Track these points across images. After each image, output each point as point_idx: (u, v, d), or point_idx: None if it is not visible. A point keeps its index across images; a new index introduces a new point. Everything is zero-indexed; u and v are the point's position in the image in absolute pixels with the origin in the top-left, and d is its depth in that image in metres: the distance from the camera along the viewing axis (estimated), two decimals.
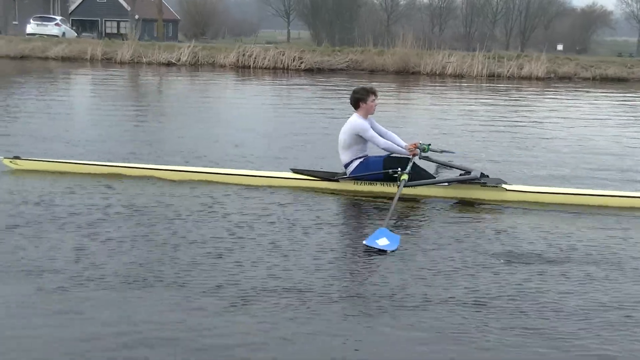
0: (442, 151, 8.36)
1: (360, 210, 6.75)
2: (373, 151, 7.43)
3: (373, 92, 7.17)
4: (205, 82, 23.78)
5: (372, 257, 5.28)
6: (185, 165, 8.23)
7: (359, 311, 4.28)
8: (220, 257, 5.16)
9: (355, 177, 7.16)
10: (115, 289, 4.52)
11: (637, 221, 6.56)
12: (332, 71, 29.05)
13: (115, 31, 61.27)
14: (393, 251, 5.36)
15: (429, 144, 7.49)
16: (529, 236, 5.91)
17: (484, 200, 7.01)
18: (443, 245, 5.61)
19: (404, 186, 6.71)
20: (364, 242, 5.46)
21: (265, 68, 29.53)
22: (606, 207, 6.91)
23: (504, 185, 7.06)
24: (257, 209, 6.52)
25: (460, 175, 7.21)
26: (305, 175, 7.37)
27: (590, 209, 6.85)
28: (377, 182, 7.14)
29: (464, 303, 4.42)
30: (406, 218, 6.50)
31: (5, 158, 7.94)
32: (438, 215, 6.60)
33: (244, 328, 4.01)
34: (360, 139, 7.07)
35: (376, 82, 23.08)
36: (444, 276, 4.91)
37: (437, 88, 23.84)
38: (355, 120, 7.08)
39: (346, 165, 7.20)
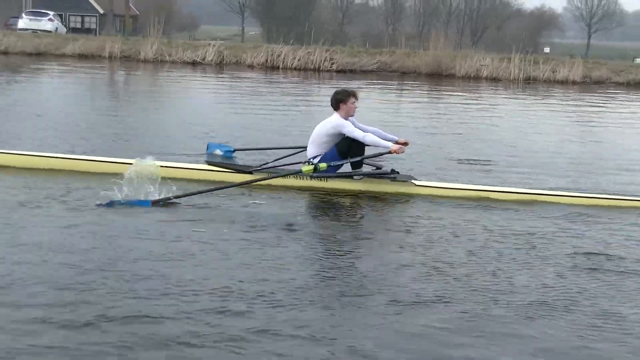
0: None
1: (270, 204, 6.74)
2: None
3: (354, 94, 7.37)
4: (269, 84, 23.73)
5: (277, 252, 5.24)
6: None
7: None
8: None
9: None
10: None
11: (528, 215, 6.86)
12: (363, 72, 29.70)
13: (79, 26, 60.04)
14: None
15: None
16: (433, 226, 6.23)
17: (393, 194, 7.25)
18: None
19: (312, 177, 7.04)
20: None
21: (294, 69, 30.03)
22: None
23: (413, 181, 7.32)
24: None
25: (374, 170, 7.43)
26: (220, 167, 7.45)
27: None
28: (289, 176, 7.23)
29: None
30: (319, 210, 6.73)
31: None
32: (351, 208, 6.83)
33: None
34: (336, 136, 7.24)
35: (409, 83, 23.86)
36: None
37: (496, 93, 24.14)
38: (336, 119, 7.26)
39: (310, 160, 7.33)
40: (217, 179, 7.24)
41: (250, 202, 6.72)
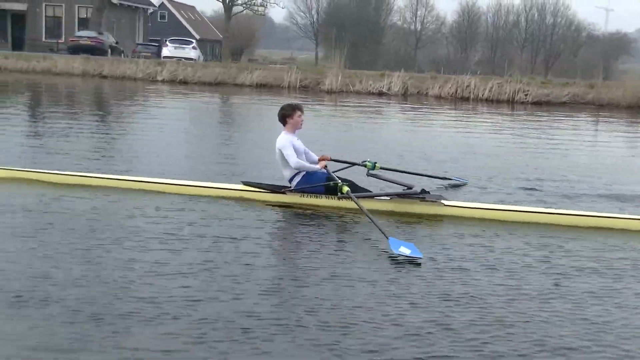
0: (391, 169, 8.61)
1: (304, 223, 6.92)
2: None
3: (299, 108, 7.60)
4: (503, 118, 23.47)
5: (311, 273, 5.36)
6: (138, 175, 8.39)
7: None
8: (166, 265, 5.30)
9: (302, 189, 7.47)
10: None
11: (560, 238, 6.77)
12: (553, 105, 29.30)
13: None
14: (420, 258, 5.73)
15: (375, 162, 8.03)
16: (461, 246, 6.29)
17: (422, 214, 7.34)
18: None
19: (346, 197, 7.12)
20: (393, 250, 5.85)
21: (485, 100, 30.03)
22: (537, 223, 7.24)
23: (442, 201, 7.37)
24: (197, 219, 6.77)
25: (404, 190, 7.56)
26: (254, 187, 7.69)
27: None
28: (322, 195, 7.43)
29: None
30: (347, 231, 6.81)
31: None
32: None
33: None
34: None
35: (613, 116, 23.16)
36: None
37: None
38: (280, 138, 7.49)
39: (290, 180, 7.55)
40: (251, 197, 7.59)
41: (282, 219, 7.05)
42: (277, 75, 32.20)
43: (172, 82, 32.10)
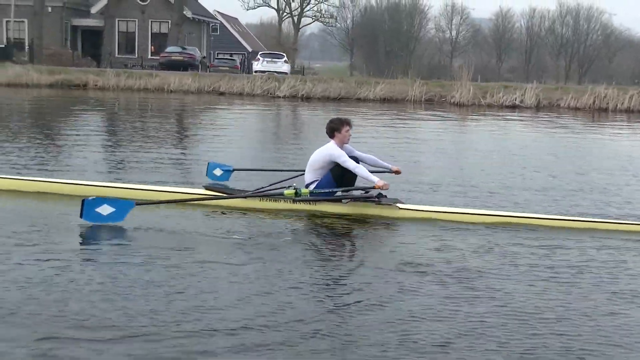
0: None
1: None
2: None
3: (347, 123, 7.73)
4: None
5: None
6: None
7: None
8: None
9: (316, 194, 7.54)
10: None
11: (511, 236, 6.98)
12: None
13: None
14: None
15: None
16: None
17: (377, 217, 7.49)
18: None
19: (295, 201, 7.37)
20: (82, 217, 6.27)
21: (625, 111, 29.55)
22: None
23: (397, 204, 7.53)
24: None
25: (361, 193, 7.67)
26: (217, 191, 7.74)
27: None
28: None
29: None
30: (301, 233, 6.96)
31: None
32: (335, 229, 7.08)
33: None
34: (331, 164, 7.56)
35: None
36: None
37: None
38: (332, 149, 7.56)
39: (307, 185, 7.66)
40: (210, 203, 7.57)
41: (233, 222, 7.09)
42: (400, 89, 31.64)
43: (292, 98, 31.40)
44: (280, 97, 31.59)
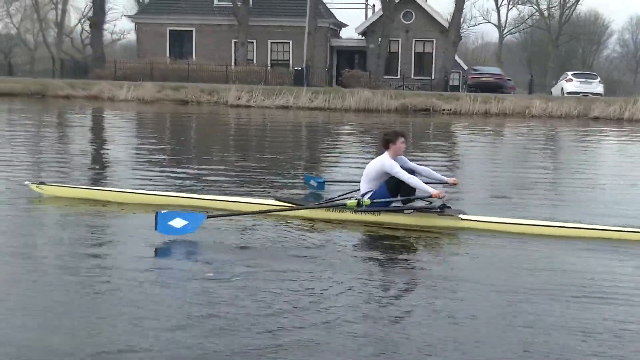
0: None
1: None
2: None
3: (402, 135, 7.91)
4: None
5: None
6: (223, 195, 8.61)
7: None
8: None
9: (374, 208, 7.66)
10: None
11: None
12: None
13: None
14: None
15: None
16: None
17: (440, 228, 7.45)
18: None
19: (357, 212, 7.52)
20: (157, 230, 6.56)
21: None
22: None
23: (460, 215, 7.47)
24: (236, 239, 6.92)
25: (423, 204, 7.63)
26: (284, 202, 8.05)
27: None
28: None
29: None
30: (365, 243, 7.10)
31: (32, 184, 8.52)
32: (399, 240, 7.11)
33: None
34: (385, 175, 7.69)
35: None
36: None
37: None
38: (385, 159, 7.72)
39: (363, 195, 7.82)
40: (279, 213, 7.81)
41: (301, 232, 7.22)
42: None
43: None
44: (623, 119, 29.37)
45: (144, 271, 5.67)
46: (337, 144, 18.63)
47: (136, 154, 14.53)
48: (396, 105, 31.29)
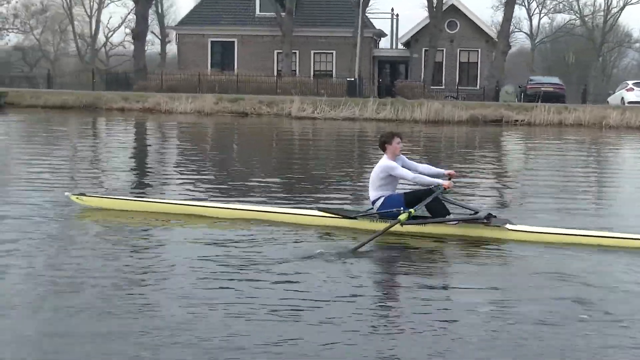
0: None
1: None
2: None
3: (398, 135, 7.90)
4: None
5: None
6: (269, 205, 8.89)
7: None
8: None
9: (380, 213, 7.72)
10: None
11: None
12: None
13: None
14: None
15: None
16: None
17: (487, 239, 7.39)
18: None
19: (404, 224, 7.30)
20: None
21: None
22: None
23: (507, 225, 7.40)
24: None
25: (469, 215, 7.56)
26: (328, 213, 8.03)
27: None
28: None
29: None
30: (417, 254, 7.06)
31: (72, 194, 8.63)
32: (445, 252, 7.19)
33: None
34: (389, 178, 7.73)
35: None
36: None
37: None
38: (384, 162, 7.78)
39: (373, 202, 7.86)
40: (323, 223, 7.91)
41: (347, 242, 7.27)
42: None
43: None
44: None
45: (187, 285, 5.70)
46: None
47: (212, 165, 14.72)
48: (466, 117, 30.30)
